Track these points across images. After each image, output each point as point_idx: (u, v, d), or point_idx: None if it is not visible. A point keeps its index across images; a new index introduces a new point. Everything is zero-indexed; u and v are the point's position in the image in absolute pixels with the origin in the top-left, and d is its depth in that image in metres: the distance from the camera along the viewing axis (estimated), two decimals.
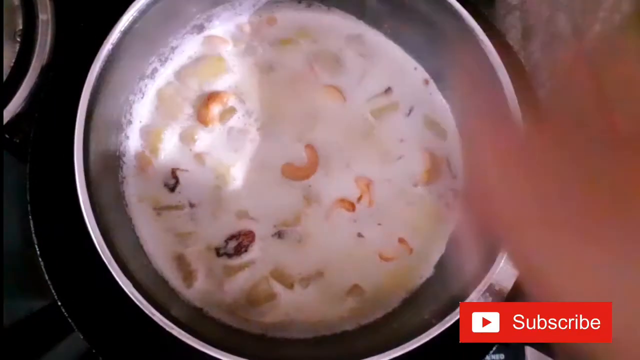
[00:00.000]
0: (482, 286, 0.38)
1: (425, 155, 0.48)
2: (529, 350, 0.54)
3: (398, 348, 0.37)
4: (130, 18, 0.39)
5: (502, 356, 0.53)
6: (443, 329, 0.38)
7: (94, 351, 0.46)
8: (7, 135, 0.48)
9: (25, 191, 0.46)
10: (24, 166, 0.46)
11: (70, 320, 0.45)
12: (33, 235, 0.45)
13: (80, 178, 0.39)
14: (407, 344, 0.37)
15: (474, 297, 0.38)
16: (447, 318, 0.38)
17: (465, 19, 0.42)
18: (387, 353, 0.37)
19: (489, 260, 0.39)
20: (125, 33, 0.39)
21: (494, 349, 0.46)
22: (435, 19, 0.44)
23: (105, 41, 0.38)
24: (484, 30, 0.42)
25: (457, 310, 0.38)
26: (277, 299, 0.46)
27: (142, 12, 0.39)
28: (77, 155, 0.38)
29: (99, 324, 0.47)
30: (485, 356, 0.46)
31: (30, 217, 0.46)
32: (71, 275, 0.46)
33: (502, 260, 0.39)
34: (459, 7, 0.42)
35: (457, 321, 0.39)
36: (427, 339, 0.38)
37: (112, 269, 0.38)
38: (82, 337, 0.46)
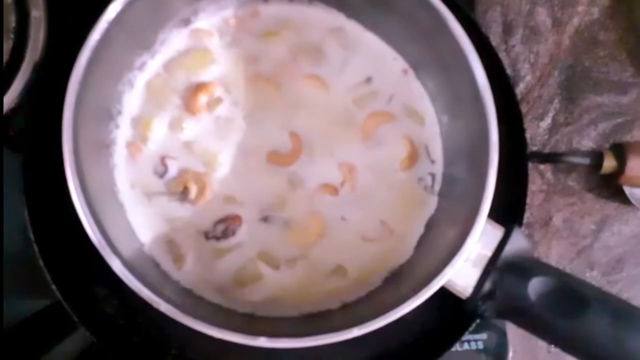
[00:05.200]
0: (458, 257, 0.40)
1: (405, 142, 0.50)
2: (510, 329, 0.56)
3: (374, 321, 0.39)
4: (117, 8, 0.40)
5: (484, 336, 0.55)
6: (418, 303, 0.40)
7: (95, 340, 0.47)
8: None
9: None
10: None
11: (69, 310, 0.47)
12: (28, 223, 0.47)
13: (71, 166, 0.40)
14: (382, 317, 0.39)
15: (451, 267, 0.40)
16: (421, 292, 0.40)
17: (440, 11, 0.43)
18: (364, 325, 0.39)
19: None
20: (113, 24, 0.40)
21: (473, 327, 0.48)
22: (412, 12, 0.46)
23: (92, 30, 0.40)
24: (461, 22, 0.43)
25: (431, 284, 0.40)
26: (264, 279, 0.48)
27: (129, 4, 0.40)
28: (67, 144, 0.40)
29: (99, 312, 0.49)
30: (464, 333, 0.48)
31: (24, 206, 0.47)
32: (68, 263, 0.48)
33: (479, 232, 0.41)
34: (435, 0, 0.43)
35: (437, 299, 0.41)
36: (403, 312, 0.39)
37: (103, 253, 0.40)
38: (81, 325, 0.47)
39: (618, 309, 0.40)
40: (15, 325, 0.53)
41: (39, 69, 0.49)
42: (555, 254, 0.63)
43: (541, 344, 0.60)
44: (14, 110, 0.49)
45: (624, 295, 0.62)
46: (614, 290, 0.62)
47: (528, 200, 0.51)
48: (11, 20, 0.49)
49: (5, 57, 0.49)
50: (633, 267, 0.63)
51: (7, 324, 0.50)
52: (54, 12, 0.50)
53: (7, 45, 0.49)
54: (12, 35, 0.49)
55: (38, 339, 0.54)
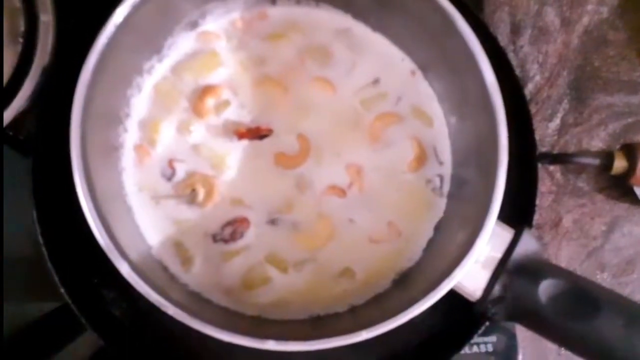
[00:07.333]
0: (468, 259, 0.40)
1: (413, 143, 0.50)
2: (520, 332, 0.55)
3: (383, 324, 0.39)
4: (125, 12, 0.40)
5: (493, 338, 0.55)
6: (427, 306, 0.39)
7: (103, 343, 0.48)
8: (11, 133, 0.50)
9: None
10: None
11: (77, 313, 0.47)
12: (36, 226, 0.47)
13: (79, 170, 0.40)
14: (391, 320, 0.39)
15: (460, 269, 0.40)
16: (430, 295, 0.39)
17: (448, 12, 0.43)
18: (372, 328, 0.39)
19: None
20: (121, 27, 0.40)
21: (483, 329, 0.48)
22: (420, 12, 0.45)
23: (100, 34, 0.40)
24: (468, 23, 0.43)
25: (440, 287, 0.39)
26: (272, 282, 0.48)
27: (137, 8, 0.41)
28: (75, 147, 0.40)
29: (107, 315, 0.50)
30: (473, 336, 0.48)
31: (33, 209, 0.47)
32: (76, 265, 0.48)
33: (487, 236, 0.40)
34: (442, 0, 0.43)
35: (446, 301, 0.41)
36: (412, 315, 0.39)
37: (111, 256, 0.40)
38: (89, 328, 0.47)
39: (631, 311, 0.40)
40: (22, 327, 0.53)
41: (47, 73, 0.49)
42: (565, 255, 0.62)
43: (551, 346, 0.60)
44: (23, 114, 0.49)
45: (636, 297, 0.62)
46: (624, 292, 0.62)
47: (538, 202, 0.51)
48: (20, 24, 0.49)
49: (14, 61, 0.49)
50: None
51: (14, 326, 0.51)
52: (62, 16, 0.51)
53: (16, 49, 0.49)
54: (21, 39, 0.49)
55: (45, 341, 0.54)
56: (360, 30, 0.51)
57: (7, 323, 0.49)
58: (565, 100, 0.63)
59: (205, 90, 0.49)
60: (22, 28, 0.49)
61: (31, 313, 0.54)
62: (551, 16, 0.64)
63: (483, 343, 0.54)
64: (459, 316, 0.47)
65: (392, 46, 0.51)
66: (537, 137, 0.52)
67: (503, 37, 0.63)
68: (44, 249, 0.47)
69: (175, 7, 0.47)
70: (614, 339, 0.39)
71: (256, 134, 0.49)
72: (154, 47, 0.48)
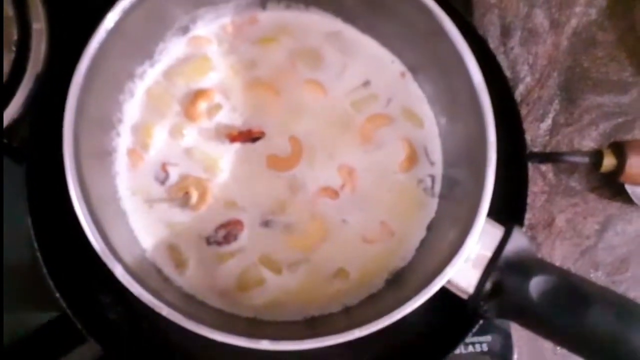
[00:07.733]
0: (459, 256, 0.40)
1: (404, 144, 0.50)
2: (515, 331, 0.56)
3: (375, 322, 0.39)
4: (116, 17, 0.41)
5: (488, 338, 0.55)
6: (418, 303, 0.40)
7: (99, 347, 0.48)
8: (5, 140, 0.50)
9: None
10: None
11: (73, 318, 0.47)
12: (31, 232, 0.47)
13: (72, 174, 0.40)
14: (384, 318, 0.39)
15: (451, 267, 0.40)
16: (421, 293, 0.40)
17: (437, 15, 0.43)
18: (365, 327, 0.39)
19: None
20: (112, 33, 0.41)
21: (477, 328, 0.48)
22: (409, 15, 0.46)
23: (91, 39, 0.40)
24: (458, 26, 0.43)
25: (431, 285, 0.40)
26: (266, 283, 0.48)
27: (128, 13, 0.41)
28: (68, 152, 0.40)
29: (103, 319, 0.50)
30: (467, 335, 0.48)
31: (28, 215, 0.48)
32: (72, 270, 0.48)
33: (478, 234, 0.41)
34: (430, 3, 0.43)
35: (440, 301, 0.41)
36: (404, 313, 0.39)
37: (106, 260, 0.40)
38: (85, 332, 0.47)
39: (621, 305, 0.40)
40: (20, 337, 0.53)
41: (41, 80, 0.50)
42: (558, 255, 0.63)
43: (547, 345, 0.60)
44: (17, 121, 0.50)
45: (630, 295, 0.62)
46: (619, 290, 0.62)
47: (530, 202, 0.51)
48: (13, 32, 0.49)
49: (8, 69, 0.49)
50: (638, 267, 0.63)
51: (13, 336, 0.51)
52: (55, 24, 0.51)
53: (9, 58, 0.49)
54: (14, 48, 0.50)
55: (43, 352, 0.54)
56: (351, 33, 0.51)
57: (5, 333, 0.49)
58: (556, 101, 0.64)
59: (197, 95, 0.49)
60: (15, 36, 0.50)
61: (29, 323, 0.54)
62: (540, 18, 0.65)
63: (478, 343, 0.54)
64: (454, 315, 0.47)
65: (382, 48, 0.51)
66: (529, 137, 0.52)
67: (493, 40, 0.64)
68: (39, 254, 0.47)
69: (166, 13, 0.47)
70: (605, 333, 0.39)
71: (248, 136, 0.49)
72: (146, 52, 0.49)
